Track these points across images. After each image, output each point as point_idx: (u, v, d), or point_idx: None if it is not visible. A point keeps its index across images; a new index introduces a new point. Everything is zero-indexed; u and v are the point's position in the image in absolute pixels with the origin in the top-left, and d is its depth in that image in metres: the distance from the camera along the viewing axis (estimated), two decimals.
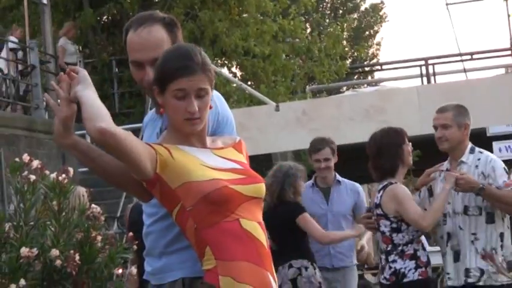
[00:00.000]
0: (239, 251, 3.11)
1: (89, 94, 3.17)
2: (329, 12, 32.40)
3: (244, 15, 18.17)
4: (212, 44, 17.53)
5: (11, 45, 14.98)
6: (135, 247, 7.97)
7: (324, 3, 31.81)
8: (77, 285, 7.81)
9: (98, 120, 3.04)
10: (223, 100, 3.57)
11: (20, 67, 15.33)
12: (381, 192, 5.94)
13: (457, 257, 5.89)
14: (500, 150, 18.47)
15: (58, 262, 7.66)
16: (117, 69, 18.17)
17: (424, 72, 23.44)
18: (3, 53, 14.92)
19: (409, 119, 11.59)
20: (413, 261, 5.85)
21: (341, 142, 14.83)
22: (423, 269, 5.86)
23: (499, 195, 5.71)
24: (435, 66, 23.61)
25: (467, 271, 5.83)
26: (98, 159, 3.27)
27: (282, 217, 7.01)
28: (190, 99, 3.19)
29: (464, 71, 23.50)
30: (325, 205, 7.67)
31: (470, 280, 5.81)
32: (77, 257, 6.37)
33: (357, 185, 7.84)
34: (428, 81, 22.47)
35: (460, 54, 23.94)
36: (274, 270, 3.22)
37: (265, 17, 18.71)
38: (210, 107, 3.28)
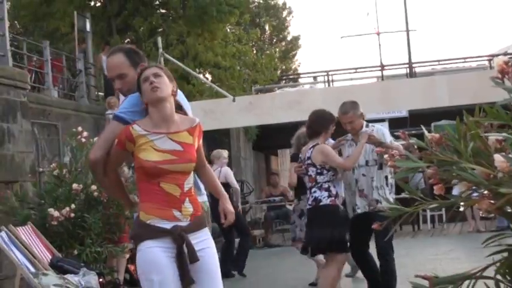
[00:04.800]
0: (151, 198, 3.15)
1: None
2: (267, 40, 32.26)
3: (215, 41, 18.11)
4: (194, 59, 17.51)
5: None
6: None
7: (265, 35, 31.66)
8: (106, 208, 7.81)
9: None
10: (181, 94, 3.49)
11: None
12: (311, 149, 5.77)
13: (361, 194, 5.83)
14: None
15: (95, 194, 7.64)
16: None
17: (326, 79, 23.56)
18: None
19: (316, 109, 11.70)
20: (327, 193, 5.66)
21: (274, 122, 14.96)
22: (333, 198, 5.68)
23: (390, 146, 5.48)
24: (333, 76, 23.73)
25: (369, 202, 5.79)
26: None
27: None
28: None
29: (351, 79, 23.74)
30: None
31: (371, 208, 5.74)
32: None
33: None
34: (329, 85, 22.59)
35: (349, 69, 24.17)
36: (186, 209, 3.15)
37: (227, 43, 18.75)
38: (173, 94, 3.23)
